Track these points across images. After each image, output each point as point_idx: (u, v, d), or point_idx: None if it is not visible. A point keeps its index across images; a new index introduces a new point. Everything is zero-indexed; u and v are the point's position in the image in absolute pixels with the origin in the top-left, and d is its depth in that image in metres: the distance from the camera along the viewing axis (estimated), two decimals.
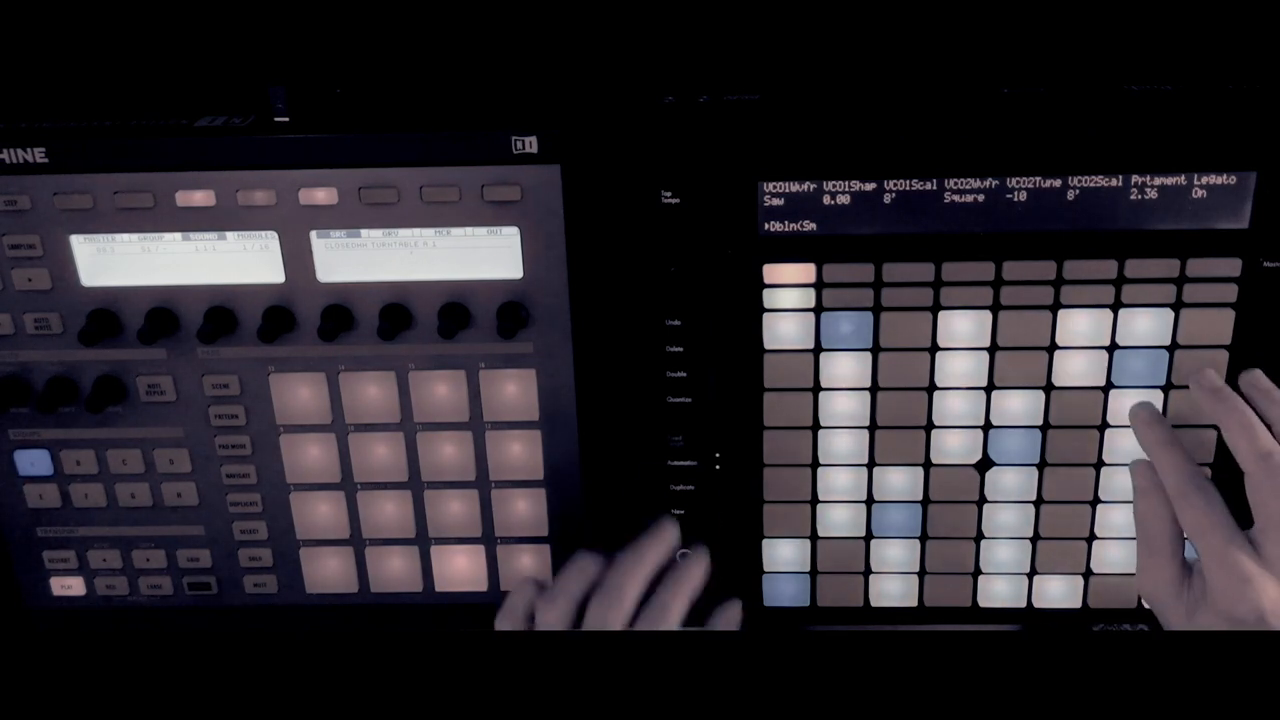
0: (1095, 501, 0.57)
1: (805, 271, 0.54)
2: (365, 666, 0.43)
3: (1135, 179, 0.52)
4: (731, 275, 0.54)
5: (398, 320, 0.55)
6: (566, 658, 0.45)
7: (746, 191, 0.53)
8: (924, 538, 0.58)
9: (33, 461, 0.58)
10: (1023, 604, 0.59)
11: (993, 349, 0.55)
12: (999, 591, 0.59)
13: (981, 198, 0.52)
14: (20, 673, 0.43)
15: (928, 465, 0.57)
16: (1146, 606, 0.55)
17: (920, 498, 0.58)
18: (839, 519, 0.58)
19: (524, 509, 0.59)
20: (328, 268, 0.55)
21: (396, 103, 0.55)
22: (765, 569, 0.60)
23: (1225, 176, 0.51)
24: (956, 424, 0.56)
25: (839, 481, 0.58)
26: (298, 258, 0.54)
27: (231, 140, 0.53)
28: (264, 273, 0.55)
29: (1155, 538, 0.52)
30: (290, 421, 0.58)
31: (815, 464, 0.57)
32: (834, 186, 0.53)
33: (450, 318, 0.54)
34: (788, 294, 0.55)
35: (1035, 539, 0.58)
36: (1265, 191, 0.51)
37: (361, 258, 0.54)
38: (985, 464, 0.57)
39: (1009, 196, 0.52)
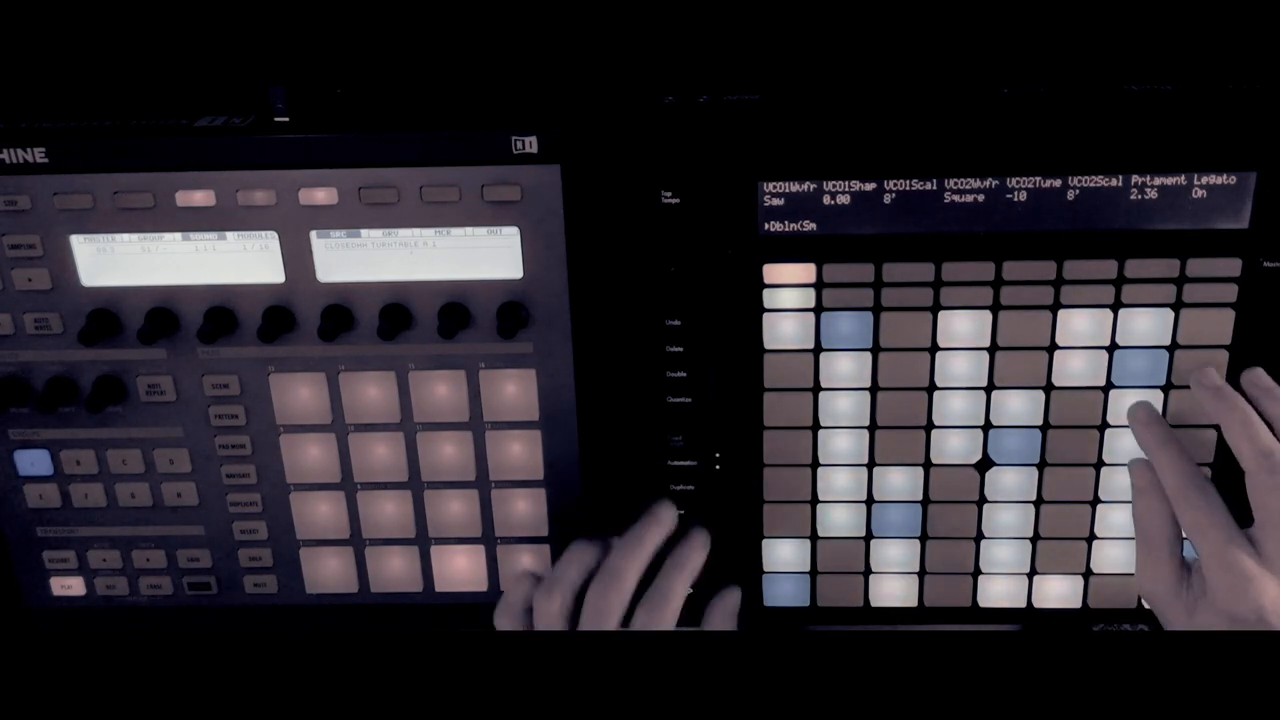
0: (1095, 501, 0.57)
1: (805, 271, 0.54)
2: (365, 666, 0.43)
3: (1135, 179, 0.52)
4: (731, 275, 0.54)
5: (398, 320, 0.55)
6: (566, 658, 0.45)
7: (746, 191, 0.53)
8: (924, 538, 0.58)
9: (33, 461, 0.58)
10: (1023, 604, 0.59)
11: (993, 349, 0.55)
12: (999, 591, 0.59)
13: (981, 198, 0.52)
14: (20, 673, 0.43)
15: (928, 465, 0.57)
16: (1146, 606, 0.55)
17: (920, 498, 0.58)
18: (839, 519, 0.58)
19: (524, 509, 0.59)
20: (328, 268, 0.55)
21: (396, 103, 0.55)
22: (765, 569, 0.60)
23: (1225, 176, 0.52)
24: (956, 424, 0.56)
25: (839, 481, 0.58)
26: (298, 258, 0.54)
27: (231, 140, 0.53)
28: (264, 273, 0.55)
29: (1154, 537, 0.52)
30: (290, 421, 0.58)
31: (815, 464, 0.57)
32: (834, 186, 0.53)
33: (450, 318, 0.54)
34: (788, 294, 0.55)
35: (1035, 539, 0.58)
36: (1265, 191, 0.51)
37: (361, 258, 0.54)
38: (985, 464, 0.57)
39: (1009, 196, 0.52)
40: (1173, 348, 0.54)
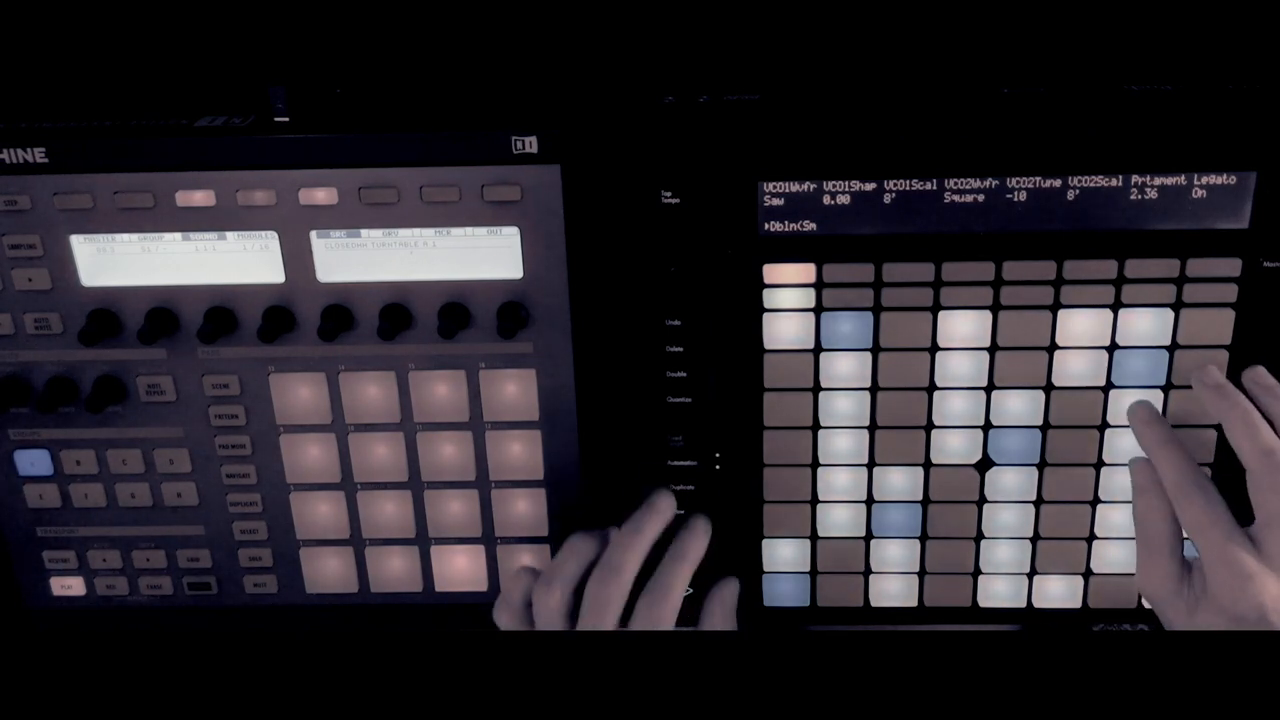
0: (1095, 501, 0.57)
1: (805, 271, 0.54)
2: (365, 666, 0.43)
3: (1135, 179, 0.52)
4: (731, 275, 0.54)
5: (398, 320, 0.55)
6: (566, 658, 0.45)
7: (746, 191, 0.53)
8: (924, 538, 0.58)
9: (33, 461, 0.58)
10: (1023, 604, 0.59)
11: (993, 349, 0.55)
12: (999, 591, 0.59)
13: (981, 198, 0.52)
14: (20, 673, 0.43)
15: (928, 465, 0.57)
16: (1147, 606, 0.55)
17: (920, 498, 0.58)
18: (839, 519, 0.58)
19: (524, 509, 0.59)
20: (328, 268, 0.55)
21: (396, 103, 0.55)
22: (765, 569, 0.60)
23: (1225, 176, 0.52)
24: (956, 424, 0.56)
25: (839, 481, 0.58)
26: (298, 258, 0.54)
27: (231, 140, 0.53)
28: (264, 273, 0.55)
29: (1155, 536, 0.52)
30: (290, 421, 0.58)
31: (815, 464, 0.57)
32: (834, 186, 0.53)
33: (450, 318, 0.54)
34: (788, 294, 0.55)
35: (1035, 539, 0.58)
36: (1265, 191, 0.51)
37: (361, 258, 0.54)
38: (985, 464, 0.57)
39: (1009, 196, 0.52)
40: (1173, 348, 0.54)
